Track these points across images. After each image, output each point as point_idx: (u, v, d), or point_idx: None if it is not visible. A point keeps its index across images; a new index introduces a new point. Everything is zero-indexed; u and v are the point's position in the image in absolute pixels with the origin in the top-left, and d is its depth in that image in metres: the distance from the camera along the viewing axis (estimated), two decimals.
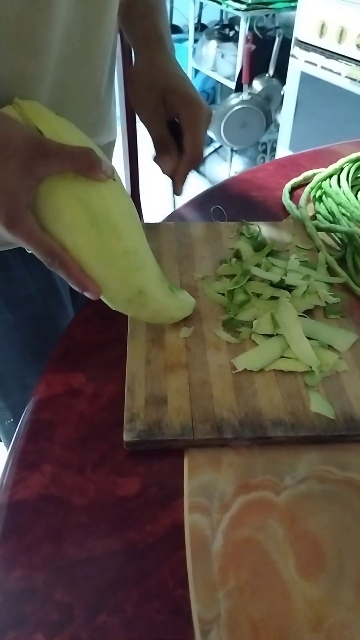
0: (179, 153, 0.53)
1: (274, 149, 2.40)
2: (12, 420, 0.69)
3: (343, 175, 0.76)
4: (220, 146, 2.66)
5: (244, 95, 2.20)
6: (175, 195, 0.55)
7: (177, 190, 0.54)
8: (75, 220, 0.43)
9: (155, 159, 0.54)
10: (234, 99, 2.23)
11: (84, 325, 0.54)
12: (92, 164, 0.41)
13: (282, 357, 0.48)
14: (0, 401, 0.68)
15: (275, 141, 2.27)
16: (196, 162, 0.53)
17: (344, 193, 0.72)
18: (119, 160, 0.50)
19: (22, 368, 0.66)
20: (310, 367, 0.47)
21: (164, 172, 0.53)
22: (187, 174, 0.53)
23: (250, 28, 2.09)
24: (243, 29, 2.07)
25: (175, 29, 2.88)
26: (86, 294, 0.45)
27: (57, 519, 0.38)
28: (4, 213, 0.39)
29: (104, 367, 0.50)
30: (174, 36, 2.75)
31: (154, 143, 0.54)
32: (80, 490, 0.40)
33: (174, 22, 2.90)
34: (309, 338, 0.49)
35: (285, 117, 2.06)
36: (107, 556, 0.36)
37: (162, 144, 0.53)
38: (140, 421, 0.42)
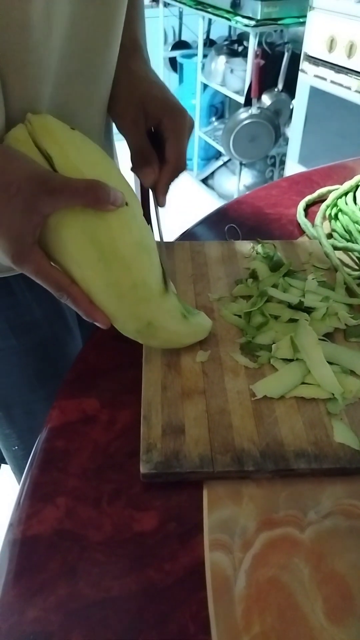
0: (159, 163, 0.51)
1: (282, 162, 2.40)
2: (17, 447, 0.68)
3: (359, 193, 0.75)
4: (229, 160, 2.67)
5: (253, 110, 2.21)
6: (158, 208, 0.52)
7: (160, 201, 0.51)
8: (83, 254, 0.42)
9: (134, 170, 0.51)
10: (243, 113, 2.24)
11: (97, 348, 0.53)
12: (98, 198, 0.40)
13: (303, 383, 0.47)
14: (6, 427, 0.67)
15: (285, 154, 2.27)
16: (179, 171, 0.51)
17: (359, 210, 0.70)
18: (129, 175, 0.49)
19: (28, 394, 0.64)
20: (333, 394, 0.45)
21: (145, 184, 0.51)
22: (170, 184, 0.51)
23: (259, 43, 2.10)
24: (252, 44, 2.08)
25: (184, 45, 2.91)
26: (96, 324, 0.44)
27: (72, 556, 0.37)
28: (12, 251, 0.39)
29: (119, 391, 0.48)
30: (183, 52, 2.78)
31: (132, 154, 0.52)
32: (96, 525, 0.38)
33: (183, 38, 2.94)
34: (330, 363, 0.48)
35: (295, 131, 2.06)
36: (125, 597, 0.34)
37: (142, 154, 0.51)
38: (158, 452, 0.41)
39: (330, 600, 0.34)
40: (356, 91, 1.71)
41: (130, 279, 0.43)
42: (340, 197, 0.75)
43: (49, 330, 0.62)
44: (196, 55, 2.56)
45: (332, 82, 1.80)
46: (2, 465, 0.82)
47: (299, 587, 0.35)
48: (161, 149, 0.51)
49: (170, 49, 2.89)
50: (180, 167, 0.51)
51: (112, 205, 0.41)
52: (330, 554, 0.36)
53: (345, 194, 0.75)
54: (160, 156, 0.51)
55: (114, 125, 0.57)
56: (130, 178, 0.52)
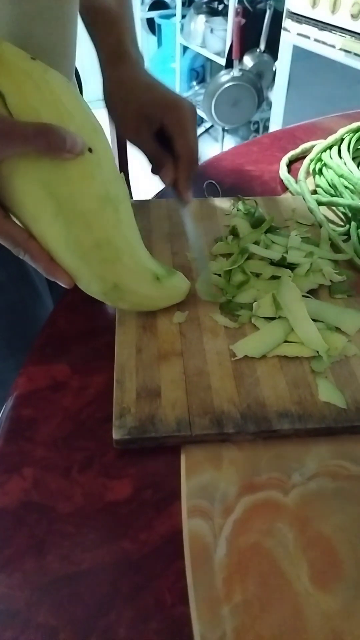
0: (174, 161, 0.50)
1: (266, 128, 2.33)
2: None
3: (344, 147, 0.71)
4: (212, 126, 2.59)
5: (235, 72, 2.13)
6: (184, 205, 0.51)
7: (184, 198, 0.51)
8: (38, 208, 0.38)
9: (154, 172, 0.51)
10: (225, 76, 2.16)
11: (67, 312, 0.50)
12: (50, 144, 0.35)
13: (286, 341, 0.44)
14: None
15: (268, 120, 2.20)
16: (193, 164, 0.50)
17: (345, 164, 0.67)
18: (103, 118, 0.47)
19: None
20: (317, 352, 0.43)
21: (166, 184, 0.51)
22: (189, 178, 0.50)
23: (240, 1, 2.00)
24: (232, 1, 1.99)
25: (163, 5, 2.77)
26: (59, 283, 0.40)
27: (40, 529, 0.34)
28: None
29: (91, 357, 0.45)
30: (161, 12, 2.66)
31: (147, 159, 0.52)
32: (65, 495, 0.36)
33: None
34: (314, 320, 0.45)
35: (278, 94, 1.99)
36: (97, 570, 0.32)
37: (155, 158, 0.51)
38: (132, 416, 0.38)
39: (315, 565, 0.32)
40: (341, 49, 1.65)
41: (92, 237, 0.39)
42: (325, 150, 0.71)
43: (16, 295, 0.59)
44: (174, 15, 2.44)
45: (315, 40, 1.73)
46: None
47: (282, 553, 0.33)
48: (172, 147, 0.50)
49: (147, 9, 2.76)
50: (193, 159, 0.49)
51: (69, 153, 0.37)
52: (316, 517, 0.34)
53: (330, 147, 0.72)
54: (173, 153, 0.50)
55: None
56: (105, 120, 0.49)
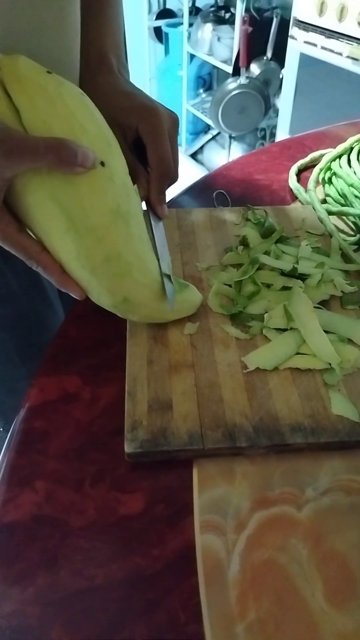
0: (148, 173, 0.46)
1: (273, 135, 2.34)
2: (1, 429, 0.65)
3: (353, 155, 0.71)
4: (219, 133, 2.60)
5: (242, 80, 2.14)
6: (158, 221, 0.47)
7: (157, 212, 0.47)
8: (50, 223, 0.38)
9: None
10: (232, 84, 2.17)
11: (78, 322, 0.50)
12: (62, 159, 0.35)
13: (298, 353, 0.44)
14: None
15: (275, 127, 2.21)
16: (167, 176, 0.46)
17: (355, 173, 0.67)
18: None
19: (10, 371, 0.61)
20: (330, 364, 0.42)
21: (140, 198, 0.47)
22: (162, 192, 0.47)
23: (247, 9, 2.02)
24: (239, 10, 2.00)
25: (169, 14, 2.79)
26: (71, 295, 0.41)
27: (52, 543, 0.34)
28: None
29: (102, 367, 0.45)
30: (168, 21, 2.67)
31: None
32: (77, 509, 0.36)
33: (168, 6, 2.82)
34: (326, 332, 0.44)
35: (285, 101, 2.00)
36: (110, 586, 0.32)
37: (131, 170, 0.46)
38: (143, 429, 0.38)
39: (330, 582, 0.32)
40: (348, 57, 1.65)
41: (103, 251, 0.39)
42: (334, 159, 0.71)
43: (28, 304, 0.59)
44: (182, 24, 2.46)
45: (322, 48, 1.73)
46: None
47: (297, 569, 0.32)
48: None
49: (154, 18, 2.78)
50: (164, 170, 0.45)
51: (80, 167, 0.37)
52: (330, 533, 0.34)
53: (339, 156, 0.71)
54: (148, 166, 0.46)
55: None
56: None
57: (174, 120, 0.47)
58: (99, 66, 0.50)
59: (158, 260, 0.44)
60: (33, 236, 0.41)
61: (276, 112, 2.16)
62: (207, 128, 2.68)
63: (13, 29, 0.41)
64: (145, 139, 0.45)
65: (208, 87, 2.73)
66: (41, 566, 0.33)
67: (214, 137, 2.68)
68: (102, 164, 0.39)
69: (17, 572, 0.33)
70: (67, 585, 0.32)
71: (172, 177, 0.47)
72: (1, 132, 0.35)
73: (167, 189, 0.47)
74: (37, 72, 0.38)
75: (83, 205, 0.38)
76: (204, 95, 2.70)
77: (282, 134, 2.06)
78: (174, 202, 0.69)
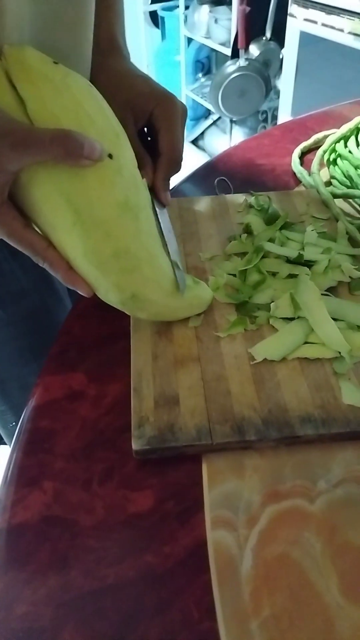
0: (155, 159, 0.46)
1: (275, 117, 2.30)
2: (14, 423, 0.65)
3: None
4: (219, 118, 2.56)
5: (241, 62, 2.09)
6: (162, 207, 0.47)
7: (161, 199, 0.47)
8: (57, 217, 0.37)
9: None
10: (231, 66, 2.12)
11: (81, 319, 0.49)
12: (68, 152, 0.35)
13: (306, 342, 0.43)
14: (1, 404, 0.64)
15: (276, 109, 2.17)
16: (175, 164, 0.46)
17: None
18: None
19: (21, 367, 0.61)
20: (339, 353, 0.41)
21: None
22: (168, 179, 0.47)
23: None
24: None
25: None
26: (78, 292, 0.40)
27: (62, 544, 0.34)
28: None
29: (107, 364, 0.45)
30: (164, 4, 2.62)
31: None
32: (87, 508, 0.35)
33: None
34: (334, 319, 0.43)
35: (286, 82, 1.95)
36: (122, 585, 0.32)
37: (137, 157, 0.46)
38: (150, 426, 0.37)
39: (346, 575, 0.31)
40: (349, 33, 1.61)
41: (111, 246, 0.38)
42: (339, 141, 0.69)
43: (38, 300, 0.58)
44: (178, 7, 2.41)
45: (323, 24, 1.69)
46: (2, 445, 0.79)
47: (311, 564, 0.32)
48: (155, 147, 0.46)
49: (150, 2, 2.73)
50: (175, 158, 0.46)
51: (87, 160, 0.36)
52: (344, 525, 0.33)
53: (344, 137, 0.70)
54: (154, 156, 0.46)
55: None
56: None
57: (184, 111, 0.47)
58: (110, 49, 0.50)
59: (167, 250, 0.43)
60: (39, 232, 0.40)
61: (277, 93, 2.12)
62: (208, 113, 2.64)
63: (30, 20, 0.40)
64: (159, 125, 0.46)
65: (207, 71, 2.68)
66: (52, 567, 0.33)
67: (214, 122, 2.64)
68: (110, 156, 0.38)
69: (28, 573, 0.32)
70: (79, 585, 0.32)
71: (179, 166, 0.47)
72: (7, 125, 0.34)
73: (171, 177, 0.47)
74: (44, 62, 0.37)
75: (90, 199, 0.37)
76: (203, 79, 2.65)
77: (284, 116, 2.02)
78: (175, 191, 0.68)
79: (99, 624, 0.30)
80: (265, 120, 2.39)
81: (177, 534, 0.34)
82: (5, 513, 0.35)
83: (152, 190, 0.47)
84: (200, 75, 2.67)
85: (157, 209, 0.47)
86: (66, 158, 0.35)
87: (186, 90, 2.59)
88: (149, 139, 0.49)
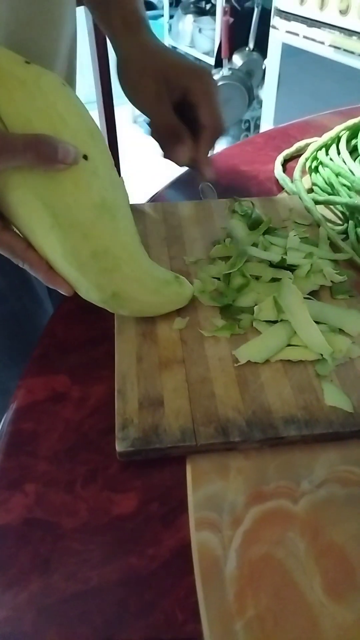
0: (195, 134, 0.47)
1: (257, 126, 2.33)
2: None
3: (342, 144, 0.70)
4: None
5: (225, 71, 2.13)
6: (208, 180, 0.48)
7: (207, 174, 0.47)
8: (34, 220, 0.37)
9: (167, 154, 0.47)
10: (214, 76, 2.15)
11: (65, 321, 0.49)
12: (41, 157, 0.34)
13: (289, 345, 0.43)
14: None
15: (259, 118, 2.20)
16: (219, 133, 0.47)
17: (344, 162, 0.66)
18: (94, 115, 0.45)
19: (2, 371, 0.60)
20: (322, 355, 0.42)
21: (180, 164, 0.47)
22: (210, 153, 0.48)
23: (228, 0, 2.00)
24: (220, 0, 1.99)
25: (150, 6, 2.77)
26: (59, 291, 0.40)
27: (44, 547, 0.33)
28: None
29: (90, 366, 0.44)
30: (149, 13, 2.65)
31: (158, 135, 0.48)
32: (70, 511, 0.35)
33: None
34: (317, 322, 0.44)
35: (268, 92, 1.99)
36: (105, 588, 0.31)
37: (171, 133, 0.47)
38: (135, 427, 0.37)
39: (329, 574, 0.31)
40: (330, 45, 1.65)
41: (89, 247, 0.38)
42: (320, 149, 0.70)
43: (17, 303, 0.58)
44: (162, 16, 2.44)
45: (304, 37, 1.73)
46: None
47: (295, 563, 0.32)
48: (191, 123, 0.46)
49: None
50: (218, 129, 0.47)
51: (62, 164, 0.36)
52: (327, 525, 0.34)
53: (326, 146, 0.71)
54: (191, 130, 0.47)
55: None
56: (95, 117, 0.47)
57: (217, 83, 0.48)
58: (137, 25, 0.50)
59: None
60: (19, 233, 0.40)
61: (260, 103, 2.15)
62: None
63: (5, 19, 0.39)
64: (198, 98, 0.46)
65: None
66: (34, 570, 0.32)
67: None
68: (85, 157, 0.38)
69: (9, 577, 0.32)
70: (62, 589, 0.31)
71: (222, 134, 0.48)
72: None
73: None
74: (15, 63, 0.37)
75: (67, 202, 0.37)
76: None
77: (267, 125, 2.06)
78: (159, 196, 0.68)
79: (82, 627, 0.30)
80: (247, 129, 2.43)
81: (161, 536, 0.33)
82: None
83: (196, 165, 0.47)
84: None
85: (201, 187, 0.48)
86: (40, 163, 0.35)
87: None
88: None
